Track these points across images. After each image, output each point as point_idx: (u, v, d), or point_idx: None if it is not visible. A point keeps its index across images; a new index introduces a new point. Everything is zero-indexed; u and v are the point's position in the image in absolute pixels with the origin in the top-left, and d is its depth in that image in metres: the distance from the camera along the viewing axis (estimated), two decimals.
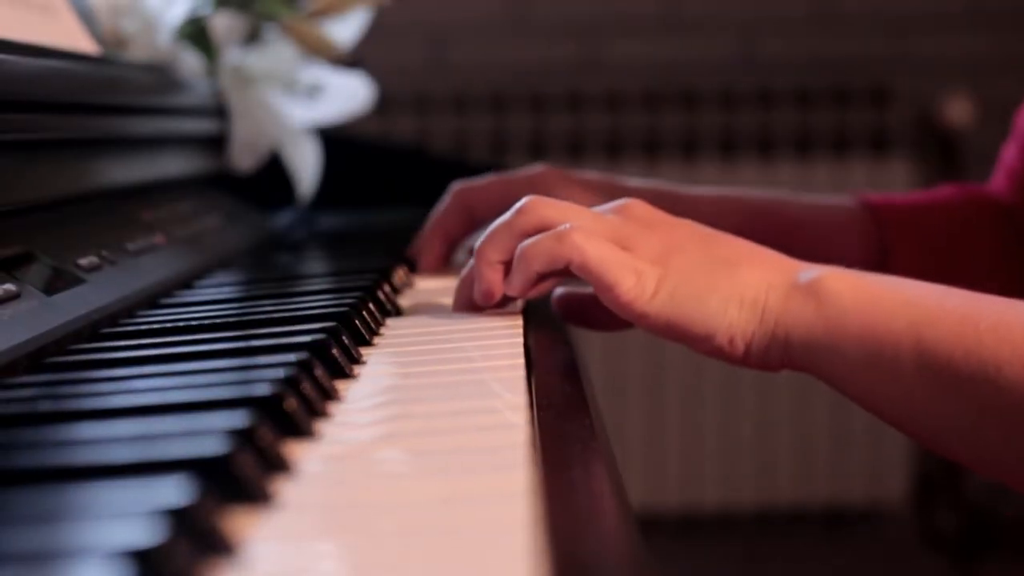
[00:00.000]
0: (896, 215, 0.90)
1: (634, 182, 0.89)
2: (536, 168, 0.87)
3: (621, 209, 0.66)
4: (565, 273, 0.65)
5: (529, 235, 0.65)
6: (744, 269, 0.64)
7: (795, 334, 0.62)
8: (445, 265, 0.86)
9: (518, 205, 0.66)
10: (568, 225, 0.64)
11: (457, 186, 0.86)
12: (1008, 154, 0.94)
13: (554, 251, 0.63)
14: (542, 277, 0.65)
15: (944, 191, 0.94)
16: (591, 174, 0.88)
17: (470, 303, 0.69)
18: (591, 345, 2.36)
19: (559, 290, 0.74)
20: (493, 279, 0.66)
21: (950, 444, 0.63)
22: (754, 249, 0.66)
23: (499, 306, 0.69)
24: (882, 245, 0.89)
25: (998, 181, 0.95)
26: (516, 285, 0.66)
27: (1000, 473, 0.63)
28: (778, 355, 0.63)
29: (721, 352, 0.64)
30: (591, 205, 0.68)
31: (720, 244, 0.65)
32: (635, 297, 0.63)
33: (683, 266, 0.63)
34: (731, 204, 0.89)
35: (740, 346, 0.63)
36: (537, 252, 0.64)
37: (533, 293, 0.73)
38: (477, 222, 0.85)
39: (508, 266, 0.66)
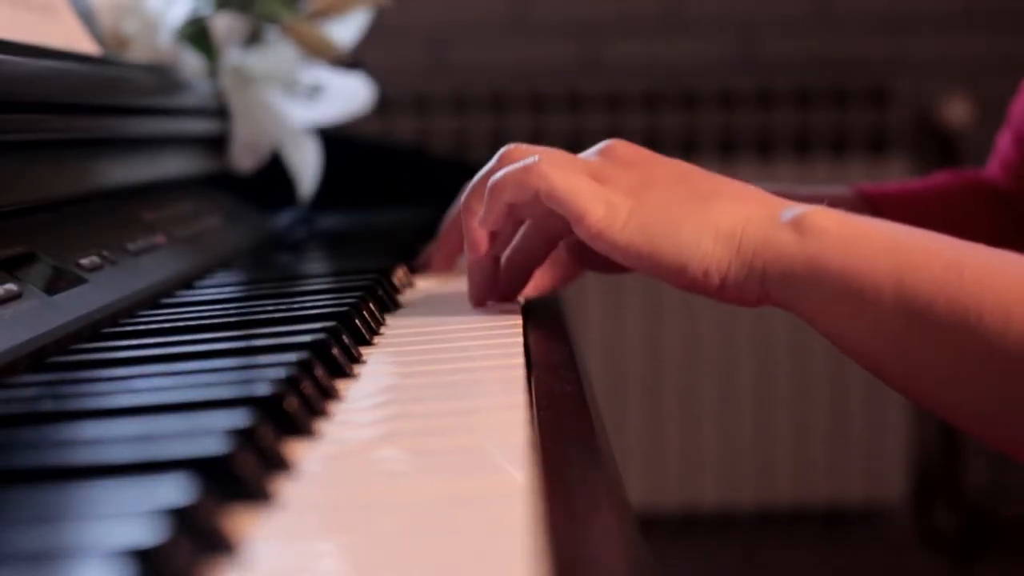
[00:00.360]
0: (893, 204, 0.90)
1: None
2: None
3: (603, 149, 0.66)
4: (557, 239, 0.65)
5: None
6: (721, 202, 0.63)
7: (774, 267, 0.61)
8: (459, 263, 0.87)
9: (498, 153, 0.67)
10: (536, 158, 0.64)
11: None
12: (1003, 143, 0.94)
13: (521, 181, 0.63)
14: (514, 210, 0.65)
15: (939, 178, 0.95)
16: None
17: (480, 290, 0.69)
18: (591, 345, 2.36)
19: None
20: (477, 228, 0.67)
21: (926, 390, 0.61)
22: (736, 184, 0.65)
23: (506, 298, 0.69)
24: None
25: (992, 169, 0.95)
26: (488, 219, 0.66)
27: (976, 425, 0.62)
28: (755, 288, 0.62)
29: (696, 285, 0.63)
30: None
31: (701, 180, 0.65)
32: (606, 227, 0.62)
33: (657, 199, 0.63)
34: None
35: (715, 278, 0.62)
36: (505, 183, 0.64)
37: (534, 291, 0.73)
38: None
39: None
